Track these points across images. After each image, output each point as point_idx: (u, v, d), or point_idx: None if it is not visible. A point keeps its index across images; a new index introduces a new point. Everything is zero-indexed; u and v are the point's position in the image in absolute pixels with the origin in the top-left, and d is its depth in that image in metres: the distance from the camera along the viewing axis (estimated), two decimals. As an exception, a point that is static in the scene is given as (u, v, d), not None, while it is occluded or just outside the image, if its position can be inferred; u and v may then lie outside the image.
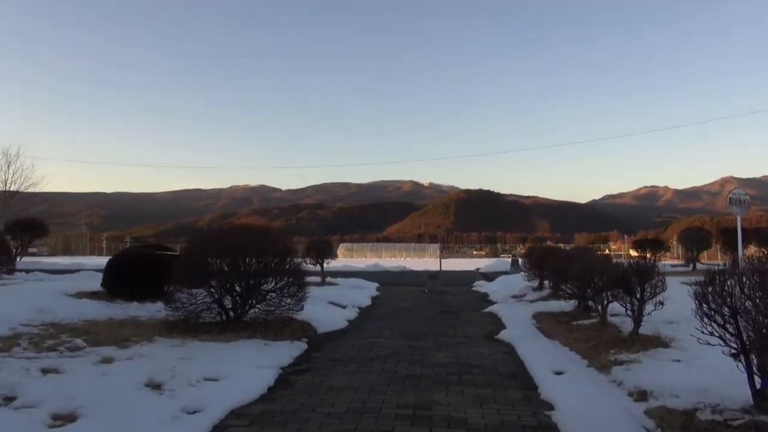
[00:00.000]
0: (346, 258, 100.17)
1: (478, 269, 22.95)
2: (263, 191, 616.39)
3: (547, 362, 6.02)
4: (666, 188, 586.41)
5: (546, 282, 12.68)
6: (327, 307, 10.78)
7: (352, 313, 10.52)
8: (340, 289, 13.95)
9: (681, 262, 24.94)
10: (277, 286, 8.26)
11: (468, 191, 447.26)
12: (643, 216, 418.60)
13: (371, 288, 15.13)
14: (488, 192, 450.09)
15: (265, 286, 8.26)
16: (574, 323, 8.24)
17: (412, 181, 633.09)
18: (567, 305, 9.69)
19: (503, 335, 8.07)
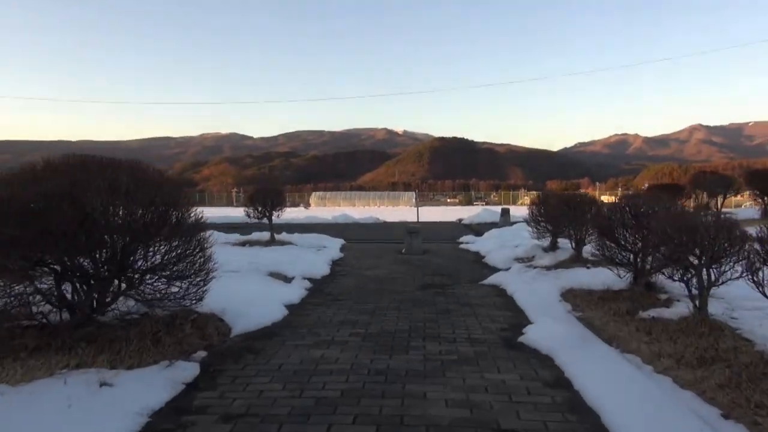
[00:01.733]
0: (319, 207, 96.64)
1: (460, 220, 19.79)
2: (235, 139, 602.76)
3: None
4: (636, 136, 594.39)
5: (560, 240, 9.60)
6: (262, 283, 7.45)
7: (297, 293, 7.22)
8: (293, 251, 10.60)
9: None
10: (159, 261, 4.87)
11: (442, 139, 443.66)
12: (613, 164, 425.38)
13: (334, 247, 11.84)
14: (462, 140, 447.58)
15: (140, 260, 4.87)
16: (645, 315, 5.15)
17: (386, 129, 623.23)
18: (607, 277, 6.62)
19: (532, 337, 4.93)
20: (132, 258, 4.83)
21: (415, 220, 22.84)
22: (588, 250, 8.69)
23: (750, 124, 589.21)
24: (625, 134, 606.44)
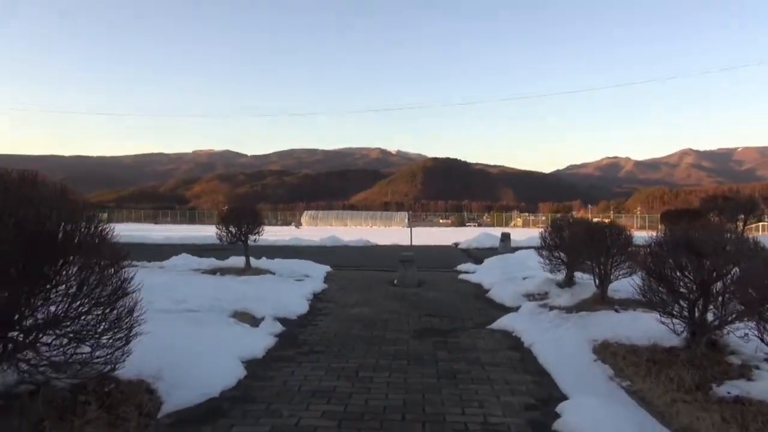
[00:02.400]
0: (310, 226, 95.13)
1: (457, 244, 18.44)
2: (228, 156, 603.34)
3: None
4: (627, 159, 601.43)
5: (579, 275, 8.26)
6: (221, 329, 6.02)
7: (263, 342, 5.79)
8: (268, 282, 9.18)
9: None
10: (53, 313, 3.46)
11: (435, 159, 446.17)
12: (605, 186, 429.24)
13: (318, 276, 10.43)
14: (456, 160, 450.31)
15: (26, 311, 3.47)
16: (723, 392, 3.80)
17: (379, 148, 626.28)
18: (649, 327, 5.28)
19: (573, 426, 3.55)
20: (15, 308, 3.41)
21: (408, 243, 21.50)
22: (616, 287, 7.36)
23: (739, 149, 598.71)
24: (617, 157, 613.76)
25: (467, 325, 6.96)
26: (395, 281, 9.94)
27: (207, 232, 41.79)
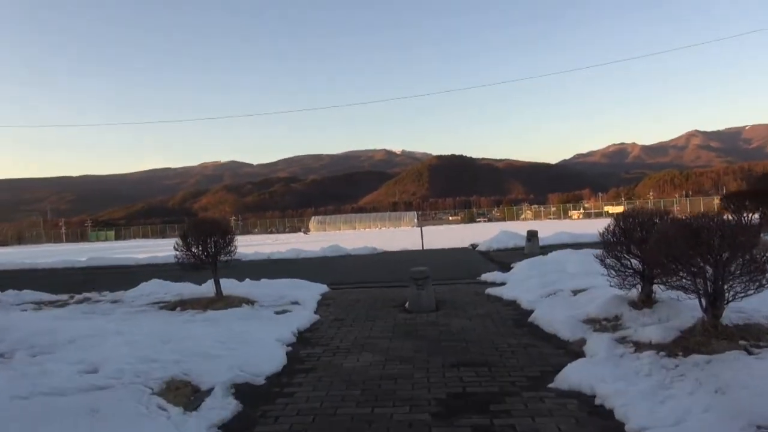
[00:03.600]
0: (319, 231, 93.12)
1: (474, 246, 15.99)
2: (234, 167, 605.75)
3: None
4: (634, 145, 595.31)
5: (656, 288, 5.86)
6: (130, 424, 3.74)
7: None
8: (238, 319, 6.83)
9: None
10: None
11: (441, 157, 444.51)
12: (613, 173, 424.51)
13: (309, 302, 8.10)
14: (461, 157, 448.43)
15: None
16: None
17: (384, 150, 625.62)
18: None
19: None
20: None
21: (419, 246, 19.16)
22: (737, 307, 5.00)
23: (747, 127, 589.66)
24: (623, 143, 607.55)
25: (518, 381, 4.61)
26: (407, 305, 7.58)
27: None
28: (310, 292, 8.82)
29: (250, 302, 7.99)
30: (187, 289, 9.50)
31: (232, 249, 8.54)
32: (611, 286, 6.12)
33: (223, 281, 8.70)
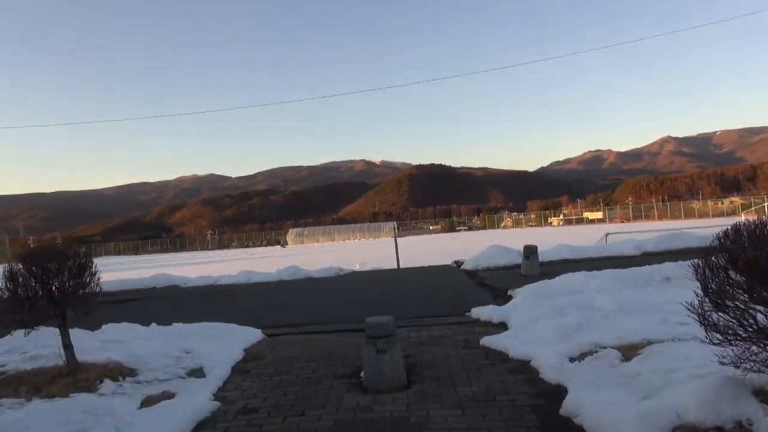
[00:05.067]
0: (297, 244, 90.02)
1: (459, 264, 13.65)
2: (212, 180, 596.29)
3: None
4: (609, 151, 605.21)
5: None
6: None
7: None
8: (59, 424, 4.16)
9: None
10: None
11: (420, 166, 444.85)
12: (590, 180, 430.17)
13: (218, 369, 4.79)
14: (440, 166, 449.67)
15: None
16: None
17: (363, 160, 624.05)
18: None
19: None
20: None
21: (395, 263, 16.94)
22: None
23: (717, 133, 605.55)
24: (599, 150, 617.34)
25: None
26: (362, 376, 4.79)
27: (171, 264, 36.63)
28: (231, 345, 6.26)
29: (121, 374, 5.06)
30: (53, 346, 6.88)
31: (91, 284, 5.66)
32: (723, 362, 3.61)
33: (113, 329, 6.34)
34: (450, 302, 8.05)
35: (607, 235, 25.21)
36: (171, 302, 10.15)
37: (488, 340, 5.40)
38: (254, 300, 9.80)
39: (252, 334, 6.54)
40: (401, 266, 18.09)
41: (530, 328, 5.56)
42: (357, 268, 14.22)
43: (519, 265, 11.52)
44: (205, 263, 38.44)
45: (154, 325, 6.93)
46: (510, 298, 7.92)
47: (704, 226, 26.30)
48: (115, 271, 37.16)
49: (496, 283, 9.53)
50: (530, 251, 10.19)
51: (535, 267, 10.09)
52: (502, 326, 6.27)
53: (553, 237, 45.23)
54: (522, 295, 7.45)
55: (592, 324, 5.24)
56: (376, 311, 7.63)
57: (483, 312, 6.92)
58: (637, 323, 4.99)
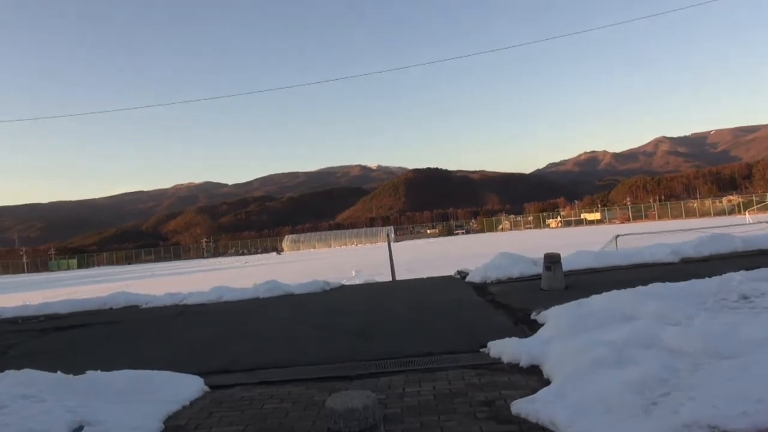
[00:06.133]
0: (293, 251, 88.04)
1: (463, 276, 11.63)
2: (209, 188, 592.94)
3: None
4: (605, 152, 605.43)
5: None
6: None
7: None
8: None
9: None
10: None
11: (416, 170, 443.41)
12: (586, 181, 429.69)
13: None
14: (436, 170, 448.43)
15: None
16: None
17: (360, 165, 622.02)
18: None
19: None
20: None
21: (391, 271, 15.22)
22: None
23: (712, 132, 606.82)
24: (594, 151, 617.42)
25: None
26: None
27: (161, 274, 34.72)
28: (152, 409, 4.09)
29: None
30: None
31: None
32: None
33: (3, 380, 4.50)
34: (458, 330, 6.26)
35: (617, 237, 23.40)
36: (120, 329, 8.36)
37: (524, 407, 3.59)
38: (217, 325, 7.99)
39: (188, 389, 4.73)
40: (397, 277, 16.30)
41: (584, 383, 3.78)
42: (344, 282, 12.42)
43: (535, 277, 9.75)
44: (195, 272, 36.61)
45: (60, 374, 5.12)
46: (534, 323, 6.13)
47: (719, 226, 24.59)
48: (103, 282, 35.28)
49: (512, 300, 7.74)
50: (552, 260, 8.40)
51: (559, 280, 8.31)
52: (535, 372, 4.48)
53: (555, 239, 43.51)
54: (554, 321, 5.66)
55: (682, 379, 3.46)
56: (363, 344, 5.84)
57: (505, 348, 5.12)
58: (756, 379, 3.23)
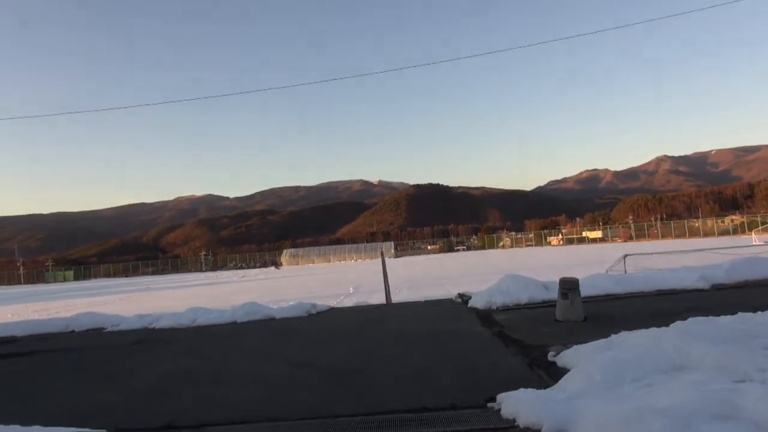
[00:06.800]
0: (291, 265, 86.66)
1: (465, 299, 10.49)
2: (210, 200, 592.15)
3: None
4: (606, 171, 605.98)
5: None
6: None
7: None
8: None
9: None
10: None
11: (418, 186, 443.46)
12: (587, 199, 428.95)
13: None
14: (437, 186, 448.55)
15: None
16: None
17: (361, 180, 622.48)
18: None
19: None
20: None
21: (385, 296, 14.04)
22: None
23: (713, 151, 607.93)
24: (596, 170, 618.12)
25: None
26: None
27: (155, 287, 33.37)
28: None
29: None
30: None
31: None
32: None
33: None
34: (460, 374, 5.10)
35: (626, 257, 22.13)
36: (64, 360, 7.25)
37: None
38: (177, 360, 6.81)
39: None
40: (395, 297, 15.12)
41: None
42: (337, 302, 11.30)
43: (547, 303, 8.63)
44: (189, 287, 35.36)
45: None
46: (554, 367, 4.98)
47: (727, 247, 23.42)
48: (94, 296, 33.99)
49: (523, 334, 6.59)
50: (569, 286, 7.26)
51: (577, 310, 7.17)
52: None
53: (558, 257, 42.15)
54: (582, 369, 4.49)
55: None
56: (342, 392, 4.68)
57: (520, 405, 3.98)
58: None
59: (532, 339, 6.23)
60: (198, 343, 7.84)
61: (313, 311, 10.01)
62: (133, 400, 5.06)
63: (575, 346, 5.22)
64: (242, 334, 8.29)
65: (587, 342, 5.59)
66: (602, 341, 5.06)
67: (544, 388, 4.31)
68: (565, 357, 5.07)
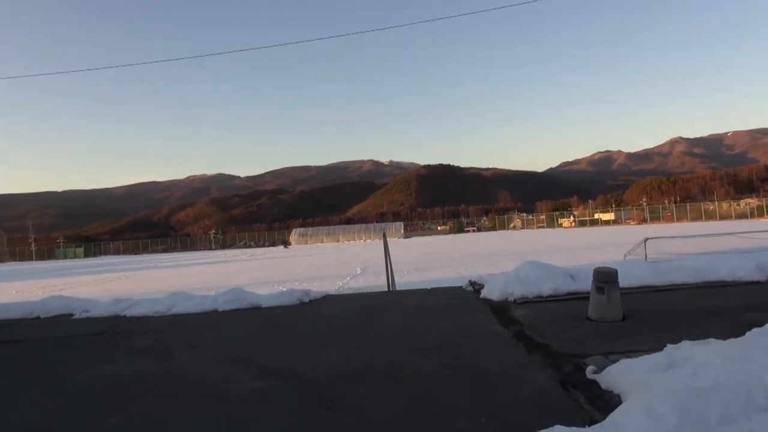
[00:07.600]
0: (300, 245, 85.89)
1: (477, 288, 9.20)
2: (221, 179, 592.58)
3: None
4: (619, 152, 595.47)
5: None
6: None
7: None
8: None
9: None
10: None
11: (428, 166, 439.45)
12: (600, 180, 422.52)
13: None
14: (449, 166, 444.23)
15: None
16: None
17: (372, 160, 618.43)
18: None
19: None
20: None
21: (394, 272, 12.90)
22: None
23: (729, 133, 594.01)
24: (609, 151, 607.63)
25: None
26: None
27: (163, 265, 32.65)
28: None
29: None
30: None
31: None
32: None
33: None
34: (473, 397, 3.90)
35: (646, 240, 20.66)
36: (6, 355, 6.24)
37: None
38: (131, 361, 5.67)
39: None
40: (403, 279, 14.01)
41: None
42: (338, 286, 10.18)
43: (573, 295, 7.42)
44: (196, 265, 34.61)
45: None
46: (595, 389, 3.79)
47: (750, 231, 21.88)
48: (98, 273, 33.20)
49: (549, 336, 5.39)
50: (606, 279, 6.00)
51: (615, 307, 5.94)
52: None
53: (571, 239, 40.61)
54: (643, 400, 3.22)
55: None
56: (320, 421, 3.56)
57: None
58: None
59: (561, 344, 5.03)
60: (168, 337, 6.78)
61: (306, 299, 8.90)
62: (50, 420, 3.96)
63: (623, 361, 4.02)
64: (220, 327, 7.20)
65: (635, 352, 4.39)
66: (659, 356, 3.85)
67: (589, 425, 3.11)
68: (610, 375, 3.86)
